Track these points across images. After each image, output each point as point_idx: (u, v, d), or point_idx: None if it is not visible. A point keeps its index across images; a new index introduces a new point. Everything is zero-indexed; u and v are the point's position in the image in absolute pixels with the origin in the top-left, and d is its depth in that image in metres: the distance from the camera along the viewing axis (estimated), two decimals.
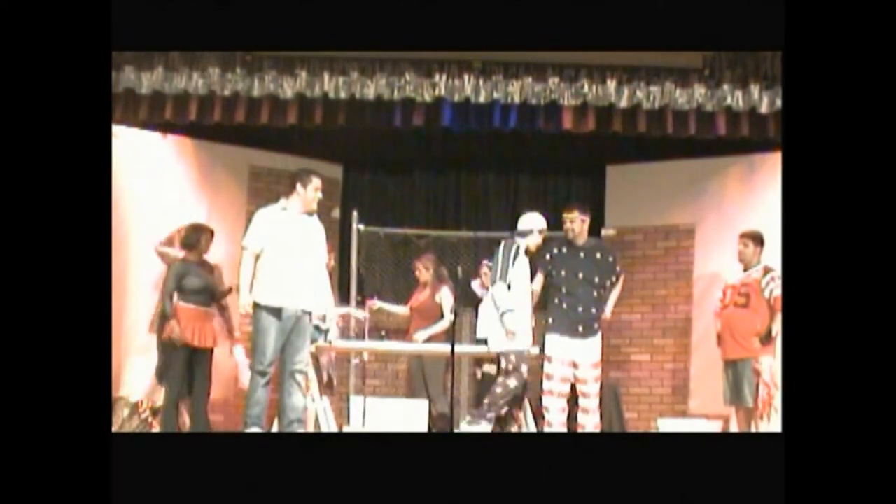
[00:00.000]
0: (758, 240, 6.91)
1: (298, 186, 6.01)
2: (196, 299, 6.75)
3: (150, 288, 7.49)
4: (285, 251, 5.90)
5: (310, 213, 6.06)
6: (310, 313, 5.99)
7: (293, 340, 5.87)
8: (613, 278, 6.71)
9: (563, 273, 6.54)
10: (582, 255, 6.58)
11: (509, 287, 6.39)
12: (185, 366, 6.67)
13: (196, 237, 6.96)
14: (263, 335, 5.80)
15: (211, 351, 6.83)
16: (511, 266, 6.42)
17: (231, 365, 7.30)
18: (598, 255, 6.65)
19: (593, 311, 6.54)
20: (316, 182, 6.03)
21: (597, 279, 6.56)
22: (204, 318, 6.78)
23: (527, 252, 6.57)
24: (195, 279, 6.78)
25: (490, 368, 7.33)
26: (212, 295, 6.88)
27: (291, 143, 8.09)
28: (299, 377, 5.91)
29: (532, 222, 6.61)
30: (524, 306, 6.47)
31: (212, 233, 7.06)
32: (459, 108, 7.05)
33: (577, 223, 6.60)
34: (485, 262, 7.65)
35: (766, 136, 6.90)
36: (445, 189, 8.95)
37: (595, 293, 6.55)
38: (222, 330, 7.04)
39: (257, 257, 5.91)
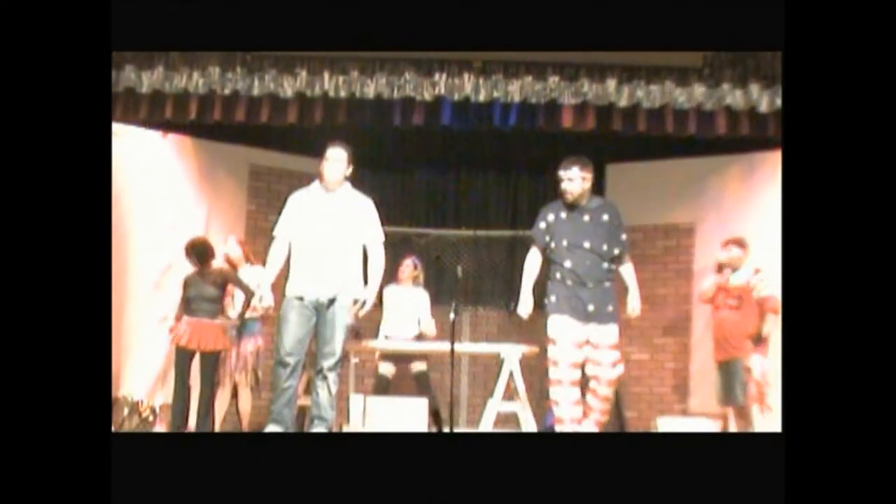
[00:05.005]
0: (742, 244, 6.98)
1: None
2: (201, 308, 6.73)
3: (151, 288, 7.49)
4: (307, 234, 5.56)
5: (329, 190, 5.64)
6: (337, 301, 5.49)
7: (320, 331, 5.50)
8: (620, 248, 5.61)
9: (563, 242, 5.51)
10: (587, 218, 5.55)
11: None
12: (188, 368, 6.67)
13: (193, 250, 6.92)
14: (282, 323, 5.49)
15: (218, 354, 6.79)
16: None
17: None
18: (606, 217, 5.58)
19: (606, 285, 5.50)
20: (328, 153, 5.61)
21: (605, 247, 5.51)
22: (209, 326, 6.73)
23: None
24: (195, 289, 6.75)
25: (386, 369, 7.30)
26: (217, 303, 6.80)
27: (291, 143, 8.09)
28: (327, 373, 5.48)
29: None
30: None
31: (200, 243, 6.94)
32: (459, 107, 7.05)
33: (576, 182, 5.57)
34: (409, 259, 7.61)
35: (766, 136, 6.92)
36: (445, 188, 8.95)
37: (605, 265, 5.51)
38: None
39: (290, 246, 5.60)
